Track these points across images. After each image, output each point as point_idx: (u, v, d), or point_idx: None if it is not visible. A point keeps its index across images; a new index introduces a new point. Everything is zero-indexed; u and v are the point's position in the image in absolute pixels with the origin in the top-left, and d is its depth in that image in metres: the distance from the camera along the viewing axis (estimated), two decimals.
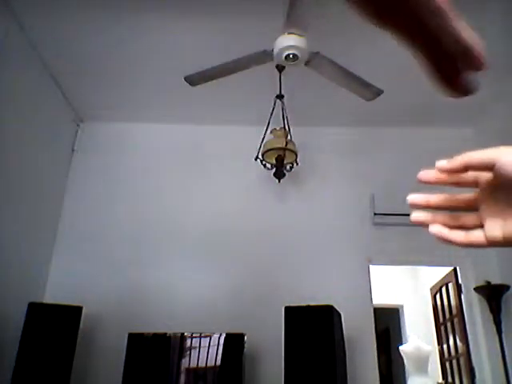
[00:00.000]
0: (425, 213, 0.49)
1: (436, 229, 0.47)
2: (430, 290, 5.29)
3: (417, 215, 0.49)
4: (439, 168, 0.47)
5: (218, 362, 3.24)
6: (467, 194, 0.49)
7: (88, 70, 3.75)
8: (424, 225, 0.48)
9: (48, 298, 3.61)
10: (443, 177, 0.47)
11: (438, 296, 5.01)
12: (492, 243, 0.45)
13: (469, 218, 0.48)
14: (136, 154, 4.28)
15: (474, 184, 0.48)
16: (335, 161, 4.23)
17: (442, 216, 0.48)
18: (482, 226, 0.47)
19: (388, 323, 6.83)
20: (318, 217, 4.00)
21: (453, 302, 4.51)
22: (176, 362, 3.27)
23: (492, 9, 2.98)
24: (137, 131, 4.34)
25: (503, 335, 3.48)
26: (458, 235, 0.47)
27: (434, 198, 0.49)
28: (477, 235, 0.46)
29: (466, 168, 0.46)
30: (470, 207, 0.49)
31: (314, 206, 4.07)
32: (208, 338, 3.30)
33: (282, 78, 3.22)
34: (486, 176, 0.46)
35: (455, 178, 0.47)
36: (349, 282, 3.74)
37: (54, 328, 3.07)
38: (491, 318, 3.57)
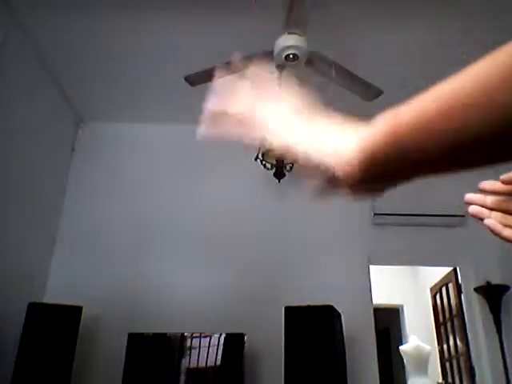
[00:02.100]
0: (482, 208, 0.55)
1: (491, 222, 0.53)
2: (430, 290, 5.29)
3: (475, 207, 0.55)
4: (504, 180, 0.54)
5: (218, 362, 3.24)
6: None
7: (88, 70, 3.74)
8: (479, 217, 0.54)
9: (48, 298, 3.60)
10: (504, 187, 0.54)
11: (437, 296, 5.01)
12: None
13: None
14: (136, 154, 4.28)
15: None
16: None
17: (495, 213, 0.54)
18: None
19: (388, 323, 6.82)
20: (318, 217, 4.00)
21: (453, 302, 4.51)
22: (176, 362, 3.27)
23: (480, 7, 2.97)
24: (137, 131, 4.34)
25: (503, 335, 3.48)
26: (510, 232, 0.52)
27: (490, 202, 0.55)
28: None
29: None
30: None
31: (313, 206, 4.06)
32: (208, 338, 3.30)
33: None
34: None
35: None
36: (349, 282, 3.74)
37: (54, 328, 3.07)
38: (491, 317, 3.57)
